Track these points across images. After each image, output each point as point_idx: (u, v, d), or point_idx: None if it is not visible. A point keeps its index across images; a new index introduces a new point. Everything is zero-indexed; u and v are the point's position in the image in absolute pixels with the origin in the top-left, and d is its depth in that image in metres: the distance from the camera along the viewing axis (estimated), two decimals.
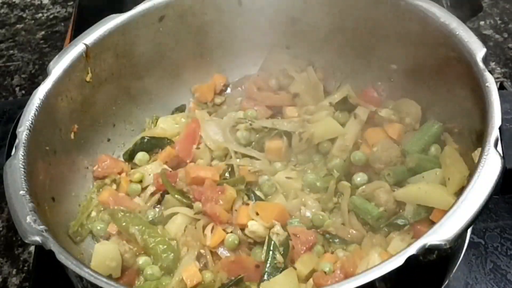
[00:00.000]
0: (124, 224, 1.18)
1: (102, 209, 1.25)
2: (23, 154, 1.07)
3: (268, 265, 1.09)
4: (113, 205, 1.23)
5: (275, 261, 1.09)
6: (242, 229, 1.15)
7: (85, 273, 0.90)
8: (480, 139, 1.02)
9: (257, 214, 1.15)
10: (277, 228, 1.13)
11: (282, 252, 1.10)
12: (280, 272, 1.08)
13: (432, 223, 1.09)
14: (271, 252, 1.10)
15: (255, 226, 1.14)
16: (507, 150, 0.99)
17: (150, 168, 1.30)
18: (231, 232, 1.16)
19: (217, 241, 1.15)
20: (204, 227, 1.17)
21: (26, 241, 0.96)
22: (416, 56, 1.23)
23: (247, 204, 1.18)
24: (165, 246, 1.15)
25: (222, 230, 1.16)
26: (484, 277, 1.20)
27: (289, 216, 1.17)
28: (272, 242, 1.11)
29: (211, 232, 1.16)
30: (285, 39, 1.42)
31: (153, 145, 1.34)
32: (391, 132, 1.25)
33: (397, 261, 0.84)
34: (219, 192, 1.18)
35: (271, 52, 1.44)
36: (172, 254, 1.14)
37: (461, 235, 0.87)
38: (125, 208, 1.22)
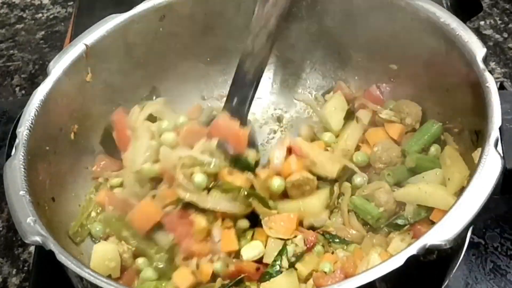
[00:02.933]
0: (117, 228, 1.17)
1: (99, 210, 1.24)
2: (23, 154, 1.07)
3: (271, 267, 1.07)
4: (108, 205, 1.22)
5: (280, 267, 1.07)
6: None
7: (85, 273, 0.90)
8: (480, 139, 1.02)
9: (271, 228, 1.10)
10: (298, 238, 1.10)
11: (291, 261, 1.07)
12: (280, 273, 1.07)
13: (432, 223, 1.09)
14: (280, 258, 1.07)
15: (249, 254, 1.08)
16: (507, 150, 0.98)
17: None
18: (218, 259, 1.08)
19: (206, 276, 1.07)
20: (186, 259, 1.09)
21: (26, 241, 0.96)
22: (416, 56, 1.23)
23: (229, 228, 1.11)
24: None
25: (209, 263, 1.08)
26: (484, 277, 1.20)
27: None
28: (286, 250, 1.08)
29: (197, 268, 1.08)
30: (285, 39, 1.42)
31: None
32: (392, 133, 1.25)
33: (397, 261, 0.84)
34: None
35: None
36: (166, 255, 1.12)
37: (461, 235, 0.87)
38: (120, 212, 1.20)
